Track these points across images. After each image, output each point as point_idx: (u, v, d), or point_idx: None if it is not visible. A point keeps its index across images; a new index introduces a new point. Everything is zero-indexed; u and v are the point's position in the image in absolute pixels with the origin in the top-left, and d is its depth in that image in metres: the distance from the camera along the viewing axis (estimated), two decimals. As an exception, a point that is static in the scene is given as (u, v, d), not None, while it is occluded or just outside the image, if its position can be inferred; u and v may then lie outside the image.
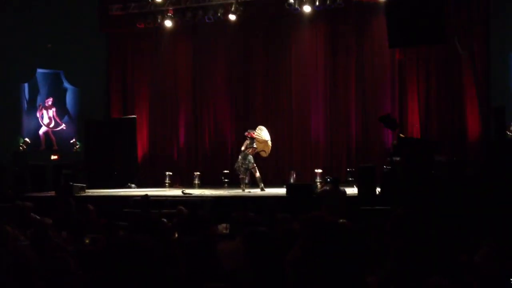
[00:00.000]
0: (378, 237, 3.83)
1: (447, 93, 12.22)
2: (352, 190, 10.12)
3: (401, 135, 10.58)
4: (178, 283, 3.24)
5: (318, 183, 11.51)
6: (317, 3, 12.33)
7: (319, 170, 12.19)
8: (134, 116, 14.45)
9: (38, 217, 5.42)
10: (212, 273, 3.43)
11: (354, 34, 13.06)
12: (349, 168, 12.24)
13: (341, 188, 8.79)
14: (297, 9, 12.47)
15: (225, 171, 12.92)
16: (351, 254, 2.27)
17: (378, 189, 9.42)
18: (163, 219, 5.93)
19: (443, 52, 12.14)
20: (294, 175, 12.46)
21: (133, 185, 13.24)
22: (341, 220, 3.70)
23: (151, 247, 3.18)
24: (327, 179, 10.25)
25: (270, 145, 11.38)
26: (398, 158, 9.48)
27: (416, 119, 12.36)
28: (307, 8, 12.48)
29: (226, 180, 12.75)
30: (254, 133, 11.28)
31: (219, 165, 13.44)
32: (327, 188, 9.13)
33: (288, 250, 3.24)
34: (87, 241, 5.32)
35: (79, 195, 10.87)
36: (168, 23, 13.67)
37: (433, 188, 8.22)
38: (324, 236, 2.49)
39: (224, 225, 6.16)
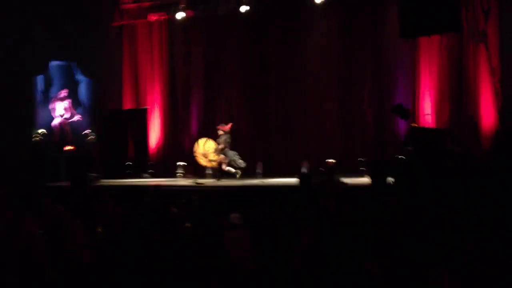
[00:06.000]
0: (383, 226, 3.83)
1: (461, 82, 12.09)
2: (364, 181, 10.09)
3: (413, 124, 10.53)
4: (186, 272, 3.29)
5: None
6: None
7: (332, 160, 12.18)
8: (145, 107, 14.59)
9: (53, 205, 5.49)
10: (219, 262, 3.48)
11: (368, 23, 12.99)
12: (361, 158, 12.20)
13: (338, 178, 8.60)
14: None
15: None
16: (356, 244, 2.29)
17: (391, 180, 9.37)
18: (175, 209, 5.98)
19: (457, 40, 12.03)
20: (307, 165, 12.45)
21: (146, 175, 13.35)
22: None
23: (162, 238, 3.22)
24: (321, 169, 10.22)
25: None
26: (410, 148, 9.43)
27: (429, 108, 12.27)
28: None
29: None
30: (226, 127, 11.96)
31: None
32: (323, 178, 8.97)
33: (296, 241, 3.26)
34: (99, 229, 5.37)
35: (93, 185, 10.98)
36: (180, 15, 13.71)
37: (443, 179, 8.16)
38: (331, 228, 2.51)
39: (235, 214, 6.18)
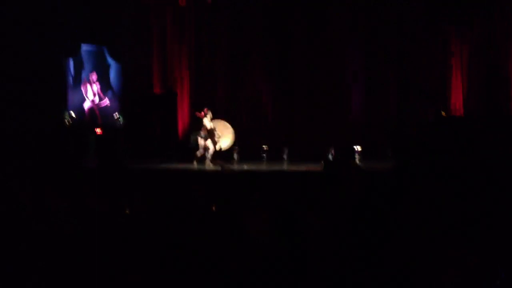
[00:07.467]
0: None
1: (491, 69, 11.86)
2: (388, 167, 10.01)
3: (442, 112, 10.39)
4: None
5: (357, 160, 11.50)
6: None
7: (358, 147, 12.13)
8: (174, 92, 14.67)
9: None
10: (237, 241, 3.52)
11: (395, 8, 12.80)
12: (387, 144, 12.10)
13: (356, 162, 8.45)
14: None
15: (264, 146, 12.99)
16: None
17: (416, 166, 9.27)
18: (201, 192, 6.02)
19: (487, 27, 11.79)
20: (333, 151, 12.42)
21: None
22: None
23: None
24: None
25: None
26: (437, 136, 9.34)
27: (459, 96, 12.08)
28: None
29: (264, 155, 12.82)
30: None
31: (257, 140, 13.49)
32: (337, 163, 8.82)
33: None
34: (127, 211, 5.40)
35: (121, 168, 11.15)
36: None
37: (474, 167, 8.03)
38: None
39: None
